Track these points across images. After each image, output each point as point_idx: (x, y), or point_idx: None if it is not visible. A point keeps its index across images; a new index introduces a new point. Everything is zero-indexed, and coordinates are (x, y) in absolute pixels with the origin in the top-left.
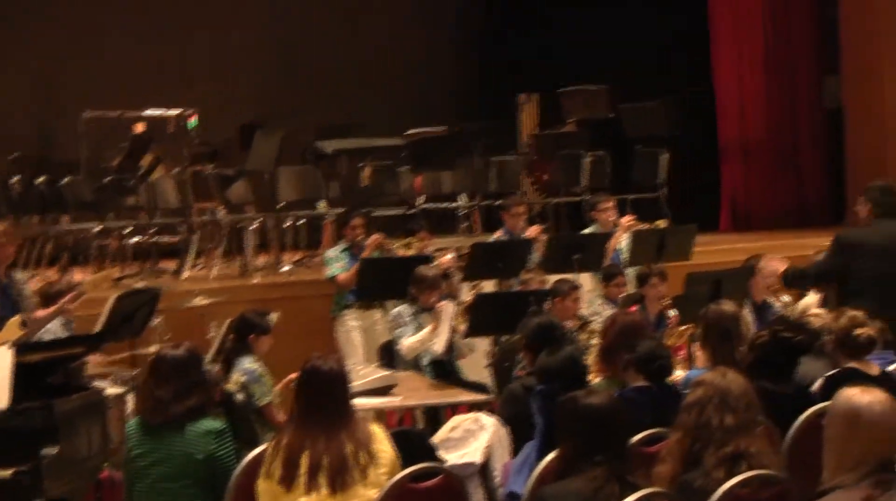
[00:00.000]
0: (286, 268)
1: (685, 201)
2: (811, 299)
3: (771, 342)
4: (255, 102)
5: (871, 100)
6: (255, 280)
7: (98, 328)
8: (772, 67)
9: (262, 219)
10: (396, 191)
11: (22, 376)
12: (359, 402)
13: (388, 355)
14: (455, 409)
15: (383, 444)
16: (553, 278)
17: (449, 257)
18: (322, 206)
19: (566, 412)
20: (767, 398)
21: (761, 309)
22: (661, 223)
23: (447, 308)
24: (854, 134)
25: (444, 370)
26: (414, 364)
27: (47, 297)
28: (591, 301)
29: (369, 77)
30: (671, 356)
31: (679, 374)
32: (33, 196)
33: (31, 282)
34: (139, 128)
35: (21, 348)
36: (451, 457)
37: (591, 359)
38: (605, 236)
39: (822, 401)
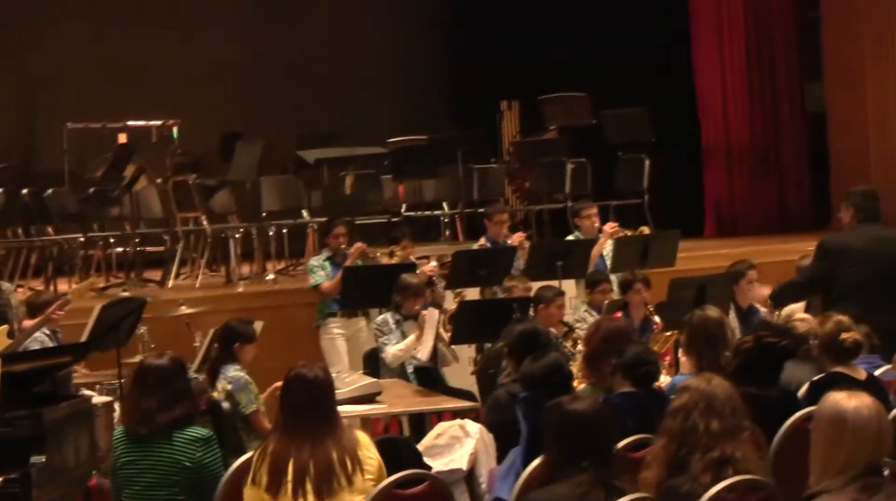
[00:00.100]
0: (270, 277)
1: (668, 207)
2: (797, 304)
3: (755, 348)
4: (236, 113)
5: (853, 104)
6: (240, 289)
7: (84, 337)
8: (754, 72)
9: (245, 228)
10: (379, 199)
11: (9, 385)
12: (344, 409)
13: (373, 362)
14: (440, 416)
15: (369, 451)
16: (537, 285)
17: (431, 265)
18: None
19: (552, 418)
20: (753, 403)
21: (746, 314)
22: (645, 230)
23: (431, 316)
24: (837, 138)
25: (429, 377)
26: (399, 372)
27: (34, 307)
28: (576, 308)
29: (351, 86)
30: (658, 362)
31: (664, 380)
32: (18, 207)
33: (16, 293)
34: (122, 138)
35: (8, 358)
36: (437, 464)
37: (575, 366)
38: (589, 243)
39: (809, 406)
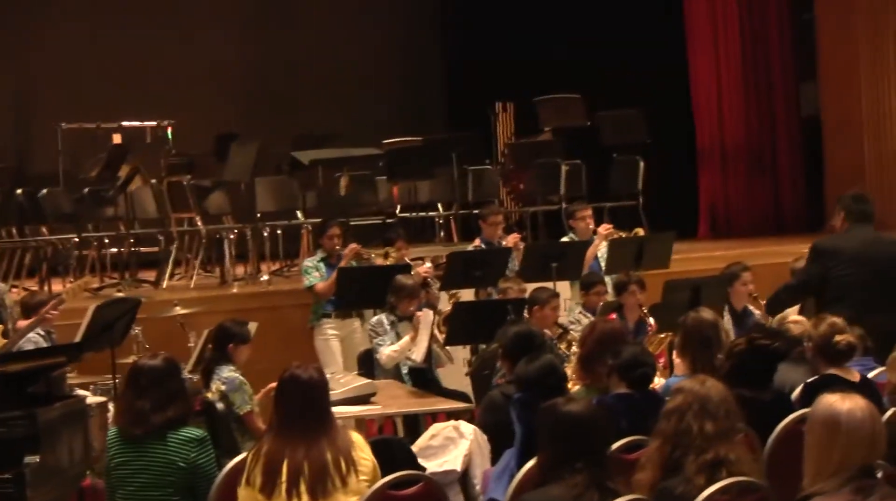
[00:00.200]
0: (265, 278)
1: (663, 209)
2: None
3: (748, 350)
4: (231, 114)
5: (848, 106)
6: (234, 290)
7: (78, 337)
8: (749, 74)
9: (240, 229)
10: (374, 200)
11: (4, 385)
12: (339, 410)
13: (367, 363)
14: (435, 417)
15: (363, 452)
16: (531, 287)
17: (426, 266)
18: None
19: (546, 419)
20: (746, 405)
21: (741, 316)
22: (640, 231)
23: (426, 317)
24: (832, 140)
25: (424, 378)
26: (393, 373)
27: (28, 307)
28: (571, 309)
29: (346, 87)
30: (654, 363)
31: (659, 381)
32: (12, 208)
33: (11, 293)
34: (116, 139)
35: (2, 358)
36: (431, 465)
37: (570, 367)
38: (584, 245)
39: (803, 408)
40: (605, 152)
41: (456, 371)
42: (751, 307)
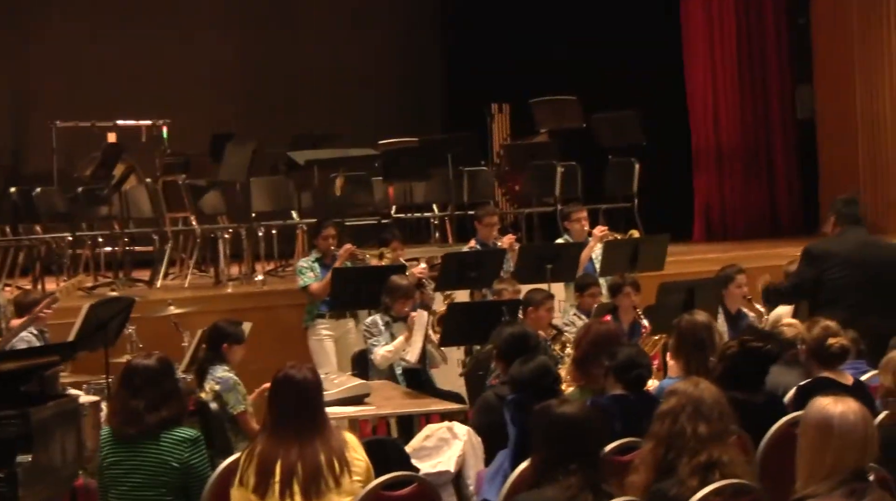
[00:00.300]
0: (259, 278)
1: (658, 211)
2: (784, 309)
3: (740, 353)
4: (227, 113)
5: (843, 109)
6: (229, 290)
7: (72, 337)
8: (745, 77)
9: (234, 229)
10: (369, 201)
11: None
12: (332, 411)
13: (361, 364)
14: (428, 418)
15: (357, 452)
16: (526, 288)
17: (421, 267)
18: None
19: (540, 420)
20: (739, 407)
21: (735, 319)
22: (635, 233)
23: (420, 318)
24: (827, 143)
25: (418, 379)
26: (388, 373)
27: (22, 306)
28: (565, 311)
29: (342, 88)
30: (650, 365)
31: (653, 383)
32: (6, 206)
33: (4, 292)
34: (111, 138)
35: None
36: (425, 466)
37: (564, 369)
38: (579, 246)
39: (796, 411)
40: (600, 154)
41: (450, 372)
42: (745, 310)
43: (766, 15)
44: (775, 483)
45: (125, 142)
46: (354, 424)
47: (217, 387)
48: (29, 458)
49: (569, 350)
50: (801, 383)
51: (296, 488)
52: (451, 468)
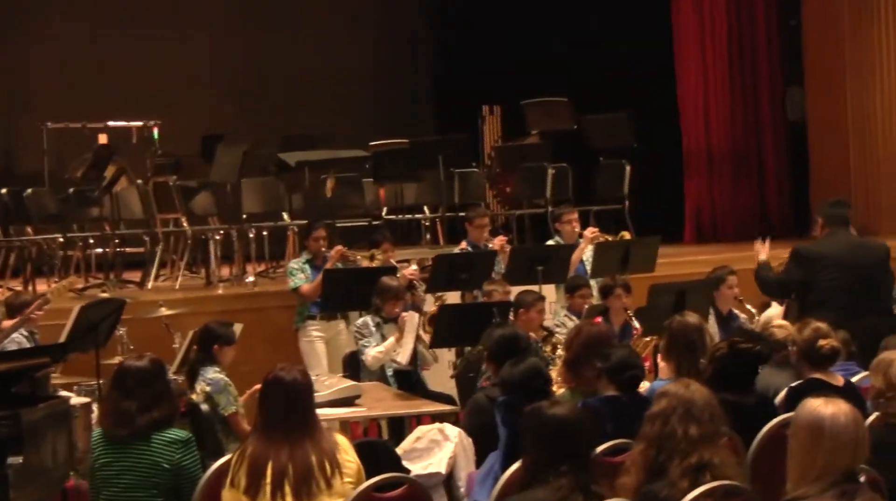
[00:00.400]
0: (250, 279)
1: (649, 213)
2: (774, 310)
3: (729, 354)
4: (218, 114)
5: (834, 112)
6: (220, 291)
7: (62, 338)
8: (736, 79)
9: (225, 230)
10: (360, 203)
11: None
12: (323, 412)
13: (352, 365)
14: (419, 419)
15: (348, 454)
16: (517, 290)
17: (412, 268)
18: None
19: (531, 422)
20: (730, 409)
21: (726, 320)
22: (625, 235)
23: (411, 319)
24: (818, 146)
25: (409, 380)
26: (379, 375)
27: (12, 308)
28: (556, 313)
29: (333, 89)
30: (643, 366)
31: (644, 385)
32: None
33: None
34: (102, 139)
35: None
36: (416, 468)
37: (555, 371)
38: (570, 248)
39: (786, 412)
40: (591, 156)
41: (441, 374)
42: (736, 311)
43: (757, 17)
44: (766, 485)
45: (116, 143)
46: (345, 425)
47: (208, 388)
48: (20, 459)
49: (560, 352)
50: (792, 384)
51: (287, 489)
52: (442, 469)
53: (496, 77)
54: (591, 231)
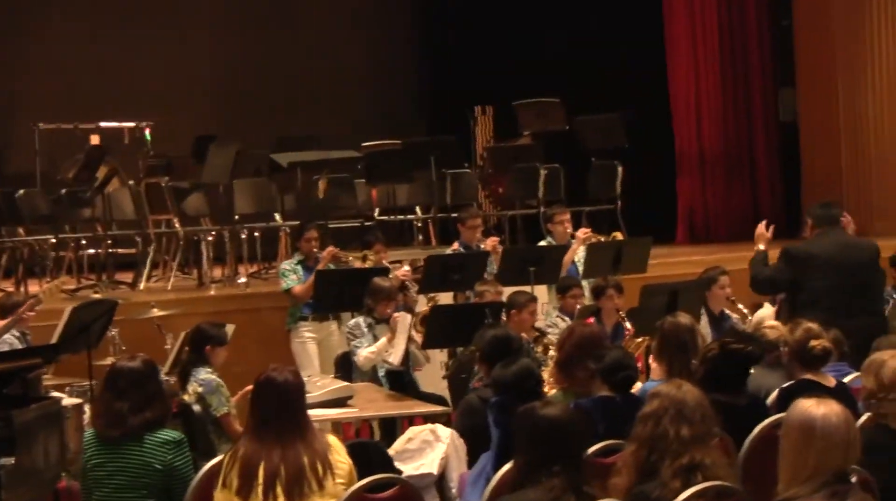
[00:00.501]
0: (242, 280)
1: (641, 214)
2: (766, 311)
3: (720, 355)
4: (210, 115)
5: (826, 112)
6: (212, 292)
7: (54, 339)
8: (728, 80)
9: (217, 231)
10: (352, 203)
11: None
12: (315, 413)
13: (344, 366)
14: (411, 420)
15: (340, 455)
16: (509, 291)
17: (404, 269)
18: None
19: (523, 422)
20: (722, 410)
21: (718, 321)
22: (618, 235)
23: (403, 319)
24: (809, 146)
25: (401, 381)
26: (371, 376)
27: (4, 309)
28: (548, 313)
29: (325, 90)
30: (637, 367)
31: (636, 386)
32: None
33: None
34: (94, 140)
35: None
36: (408, 468)
37: (547, 371)
38: (562, 249)
39: (778, 413)
40: (583, 157)
41: (433, 375)
42: (728, 311)
43: (749, 17)
44: (758, 485)
45: (108, 144)
46: (337, 426)
47: (200, 389)
48: (12, 461)
49: (551, 352)
50: (784, 385)
51: (279, 490)
52: (434, 470)
53: (488, 78)
54: (583, 232)
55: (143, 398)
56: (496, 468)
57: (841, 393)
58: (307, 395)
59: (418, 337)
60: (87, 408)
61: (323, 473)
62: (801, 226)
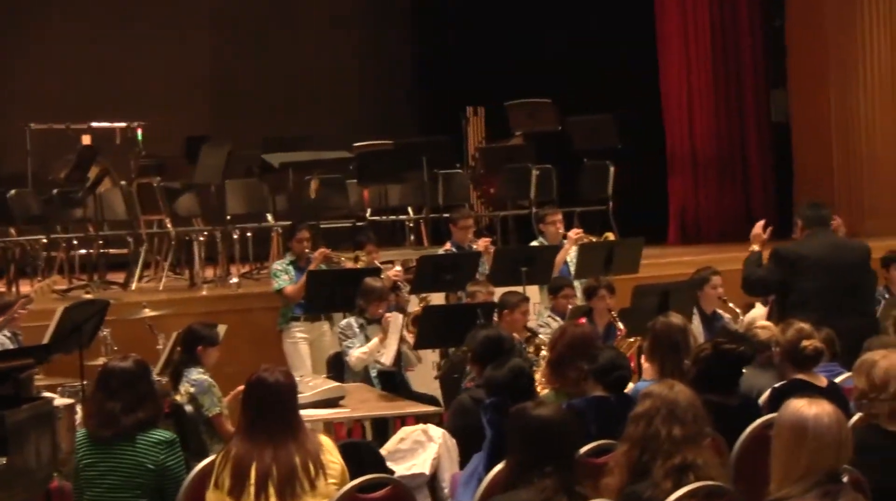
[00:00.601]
0: (234, 280)
1: (633, 214)
2: (758, 311)
3: (713, 355)
4: (202, 116)
5: (817, 113)
6: (203, 292)
7: (46, 339)
8: (720, 80)
9: (209, 231)
10: (344, 204)
11: None
12: (307, 413)
13: (336, 367)
14: (404, 420)
15: (332, 455)
16: (500, 291)
17: (396, 269)
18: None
19: (515, 423)
20: (714, 410)
21: (710, 321)
22: (609, 236)
23: (395, 320)
24: (801, 147)
25: (393, 381)
26: (363, 376)
27: None
28: (540, 313)
29: (317, 90)
30: (630, 367)
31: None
32: None
33: None
34: (86, 140)
35: None
36: (400, 468)
37: (539, 371)
38: (554, 249)
39: (770, 413)
40: (575, 157)
41: (425, 375)
42: (720, 311)
43: (741, 17)
44: (749, 486)
45: (100, 144)
46: (329, 426)
47: (192, 389)
48: (3, 461)
49: (543, 353)
50: (776, 385)
51: (271, 490)
52: (426, 470)
53: (480, 78)
54: (575, 232)
55: (135, 398)
56: (488, 468)
57: (833, 393)
58: (299, 395)
59: (410, 337)
60: (78, 408)
61: (315, 473)
62: (794, 224)
